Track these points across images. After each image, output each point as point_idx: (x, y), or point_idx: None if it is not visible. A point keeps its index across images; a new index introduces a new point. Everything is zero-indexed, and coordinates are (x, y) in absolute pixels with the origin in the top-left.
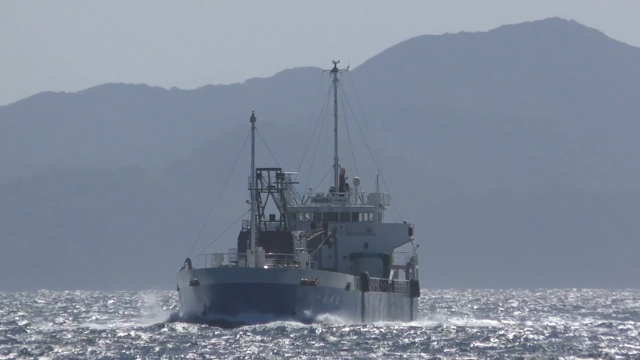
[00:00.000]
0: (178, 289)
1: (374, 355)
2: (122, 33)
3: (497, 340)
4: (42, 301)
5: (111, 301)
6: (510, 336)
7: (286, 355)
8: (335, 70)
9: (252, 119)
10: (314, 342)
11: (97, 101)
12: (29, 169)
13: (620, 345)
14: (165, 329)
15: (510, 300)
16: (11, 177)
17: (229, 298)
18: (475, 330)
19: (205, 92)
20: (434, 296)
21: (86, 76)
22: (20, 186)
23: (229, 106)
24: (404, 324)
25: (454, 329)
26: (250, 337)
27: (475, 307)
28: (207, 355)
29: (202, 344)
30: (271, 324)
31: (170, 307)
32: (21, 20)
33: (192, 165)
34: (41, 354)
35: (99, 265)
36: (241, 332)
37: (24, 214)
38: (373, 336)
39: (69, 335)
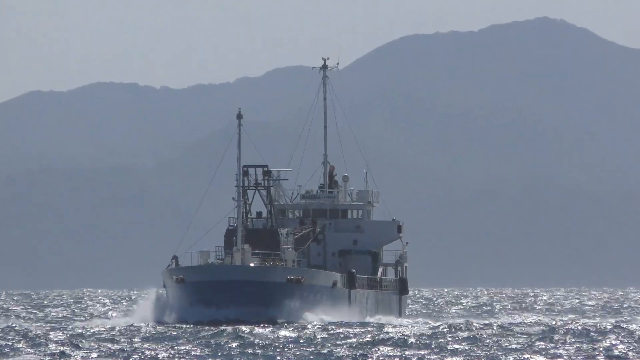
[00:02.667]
0: (164, 287)
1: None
2: (113, 32)
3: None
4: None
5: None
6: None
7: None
8: (324, 67)
9: (239, 116)
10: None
11: (87, 100)
12: (19, 167)
13: None
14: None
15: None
16: (0, 176)
17: (214, 295)
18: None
19: (195, 91)
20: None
21: (76, 75)
22: (9, 185)
23: (219, 105)
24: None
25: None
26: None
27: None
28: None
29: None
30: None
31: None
32: (11, 19)
33: (182, 164)
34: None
35: (87, 263)
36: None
37: (14, 212)
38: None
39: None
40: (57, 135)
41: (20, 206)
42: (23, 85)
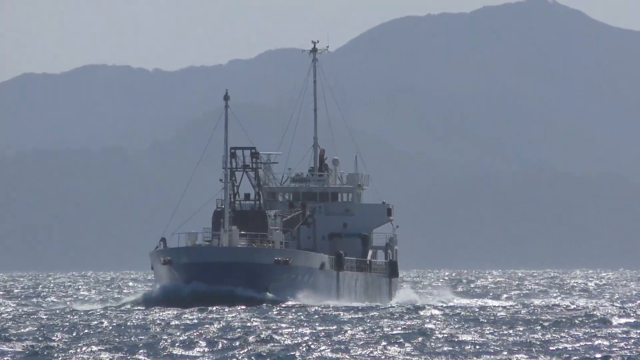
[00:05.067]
0: (152, 268)
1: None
2: (106, 14)
3: None
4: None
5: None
6: None
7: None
8: (314, 50)
9: (226, 98)
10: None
11: (80, 82)
12: (12, 150)
13: None
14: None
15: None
16: None
17: (201, 276)
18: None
19: (187, 73)
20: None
21: (69, 57)
22: (2, 168)
23: (211, 87)
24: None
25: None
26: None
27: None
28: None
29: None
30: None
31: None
32: (4, 1)
33: (174, 146)
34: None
35: (80, 246)
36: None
37: (5, 196)
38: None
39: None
40: (50, 118)
41: (11, 189)
42: (16, 67)
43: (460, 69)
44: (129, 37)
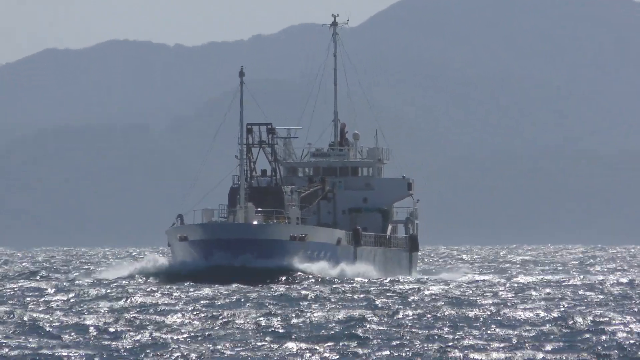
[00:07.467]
0: (169, 245)
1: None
2: None
3: None
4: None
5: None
6: None
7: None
8: (334, 24)
9: (241, 74)
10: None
11: (101, 58)
12: (32, 127)
13: None
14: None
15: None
16: (14, 136)
17: (215, 253)
18: None
19: (208, 49)
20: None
21: (91, 33)
22: (22, 145)
23: (232, 63)
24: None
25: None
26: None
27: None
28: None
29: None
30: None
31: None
32: None
33: (194, 122)
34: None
35: (99, 222)
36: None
37: (25, 173)
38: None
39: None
40: (70, 94)
41: (33, 167)
42: (38, 43)
43: (483, 46)
44: (150, 12)
